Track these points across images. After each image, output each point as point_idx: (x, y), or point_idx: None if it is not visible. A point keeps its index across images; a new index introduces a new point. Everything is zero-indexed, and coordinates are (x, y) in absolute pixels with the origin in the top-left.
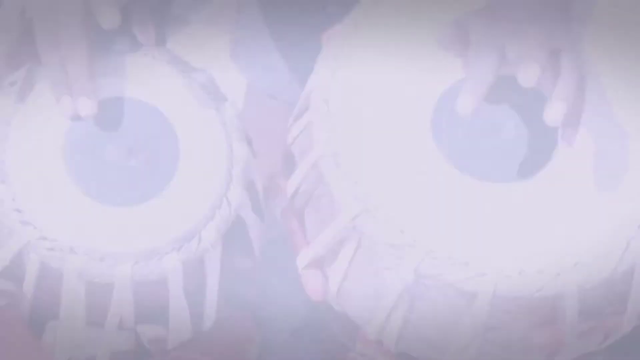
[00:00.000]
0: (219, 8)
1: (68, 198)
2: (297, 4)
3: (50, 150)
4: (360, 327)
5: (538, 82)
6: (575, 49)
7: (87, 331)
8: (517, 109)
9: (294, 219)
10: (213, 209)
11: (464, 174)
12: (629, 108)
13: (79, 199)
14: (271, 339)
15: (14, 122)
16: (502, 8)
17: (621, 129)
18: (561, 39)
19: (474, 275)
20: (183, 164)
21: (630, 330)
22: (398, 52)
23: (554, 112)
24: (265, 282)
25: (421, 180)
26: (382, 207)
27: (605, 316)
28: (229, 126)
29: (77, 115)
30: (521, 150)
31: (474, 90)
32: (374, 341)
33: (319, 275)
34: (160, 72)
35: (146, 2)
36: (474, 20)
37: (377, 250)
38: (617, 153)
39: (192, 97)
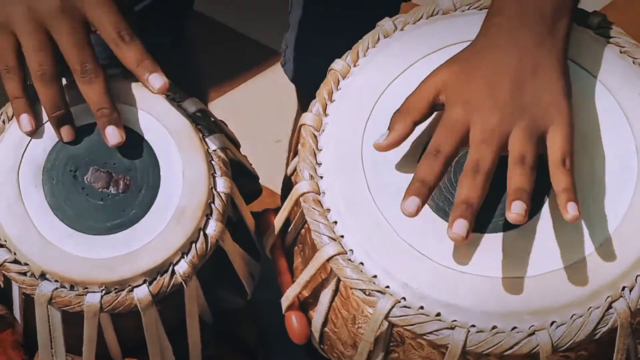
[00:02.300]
0: None
1: (43, 223)
2: None
3: (28, 173)
4: None
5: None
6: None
7: None
8: (505, 158)
9: (282, 256)
10: (189, 242)
11: (447, 222)
12: None
13: (54, 224)
14: None
15: None
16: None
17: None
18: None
19: (445, 328)
20: (162, 195)
21: None
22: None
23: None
24: (260, 320)
25: (399, 227)
26: (356, 251)
27: None
28: (214, 159)
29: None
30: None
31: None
32: None
33: (302, 318)
34: (148, 99)
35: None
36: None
37: (353, 295)
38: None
39: (179, 127)
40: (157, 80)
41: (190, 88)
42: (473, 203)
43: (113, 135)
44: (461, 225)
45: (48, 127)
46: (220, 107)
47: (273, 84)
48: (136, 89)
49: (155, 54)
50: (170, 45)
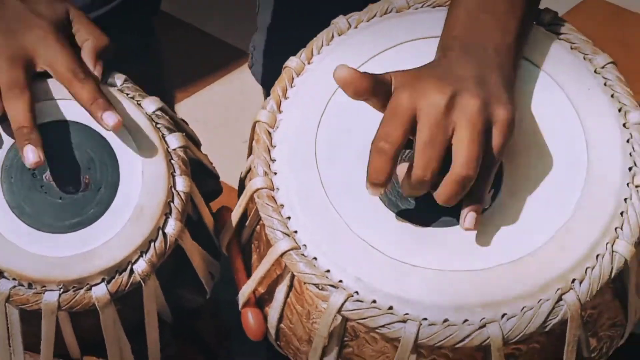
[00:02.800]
0: None
1: (0, 221)
2: None
3: None
4: None
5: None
6: None
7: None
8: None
9: (238, 253)
10: (148, 241)
11: (399, 216)
12: None
13: (12, 222)
14: None
15: None
16: None
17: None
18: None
19: (397, 321)
20: (121, 193)
21: None
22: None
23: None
24: (221, 319)
25: (352, 221)
26: (309, 246)
27: None
28: (174, 158)
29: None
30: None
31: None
32: None
33: (258, 315)
34: (108, 97)
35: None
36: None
37: (307, 291)
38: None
39: (139, 126)
40: (111, 118)
41: (158, 88)
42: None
43: (32, 156)
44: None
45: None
46: (188, 107)
47: (241, 85)
48: None
49: (124, 55)
50: (138, 46)
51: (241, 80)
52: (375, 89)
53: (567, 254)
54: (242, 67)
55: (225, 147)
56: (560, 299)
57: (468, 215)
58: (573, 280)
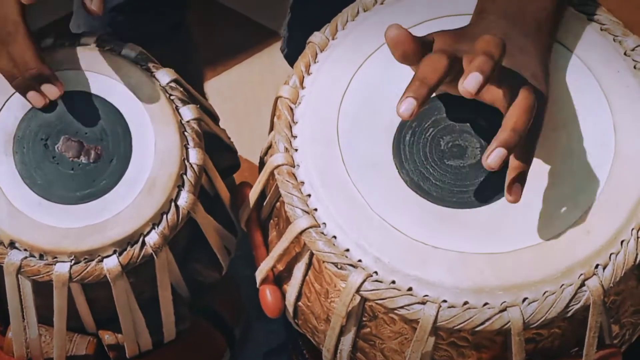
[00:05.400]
0: None
1: (12, 191)
2: None
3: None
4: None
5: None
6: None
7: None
8: (481, 132)
9: (257, 229)
10: (160, 213)
11: (421, 197)
12: None
13: (24, 193)
14: (244, 353)
15: None
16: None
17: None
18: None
19: (415, 303)
20: (133, 165)
21: None
22: (374, 64)
23: (491, 158)
24: (238, 296)
25: (373, 201)
26: (329, 224)
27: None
28: (187, 130)
29: (47, 103)
30: (482, 174)
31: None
32: None
33: (276, 292)
34: (122, 69)
35: None
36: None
37: (325, 269)
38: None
39: (152, 97)
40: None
41: (187, 66)
42: (429, 81)
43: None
44: (409, 104)
45: (19, 96)
46: (217, 85)
47: (271, 64)
48: (110, 59)
49: (156, 33)
50: (170, 25)
51: (271, 60)
52: (422, 53)
53: (591, 239)
54: (272, 46)
55: (252, 126)
56: (583, 284)
57: (516, 185)
58: (596, 266)
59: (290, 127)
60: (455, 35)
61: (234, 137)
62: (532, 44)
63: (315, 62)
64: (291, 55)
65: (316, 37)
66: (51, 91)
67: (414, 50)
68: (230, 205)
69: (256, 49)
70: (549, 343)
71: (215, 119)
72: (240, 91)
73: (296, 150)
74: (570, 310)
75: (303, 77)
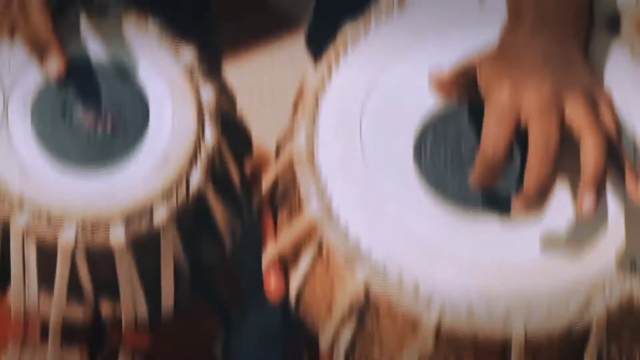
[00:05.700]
0: None
1: (26, 151)
2: None
3: (18, 100)
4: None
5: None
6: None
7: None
8: None
9: (269, 214)
10: (171, 189)
11: (438, 198)
12: None
13: (38, 154)
14: (238, 337)
15: None
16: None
17: None
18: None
19: (420, 303)
20: (149, 139)
21: None
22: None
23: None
24: (239, 280)
25: (388, 196)
26: (342, 213)
27: None
28: (205, 109)
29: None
30: (504, 181)
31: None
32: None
33: (281, 277)
34: (145, 44)
35: None
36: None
37: (333, 259)
38: None
39: (174, 74)
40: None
41: (209, 51)
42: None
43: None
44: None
45: None
46: (238, 71)
47: (293, 52)
48: (134, 31)
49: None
50: (193, 10)
51: (294, 48)
52: (463, 83)
53: (601, 257)
54: (296, 34)
55: (272, 113)
56: (589, 302)
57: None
58: (604, 286)
59: (314, 115)
60: (499, 59)
61: (250, 120)
62: (576, 49)
63: (345, 53)
64: (314, 42)
65: (349, 28)
66: (51, 67)
67: (457, 85)
68: (241, 188)
69: (279, 37)
70: (547, 355)
71: (233, 101)
72: (259, 76)
73: (317, 138)
74: (573, 327)
75: (332, 66)
